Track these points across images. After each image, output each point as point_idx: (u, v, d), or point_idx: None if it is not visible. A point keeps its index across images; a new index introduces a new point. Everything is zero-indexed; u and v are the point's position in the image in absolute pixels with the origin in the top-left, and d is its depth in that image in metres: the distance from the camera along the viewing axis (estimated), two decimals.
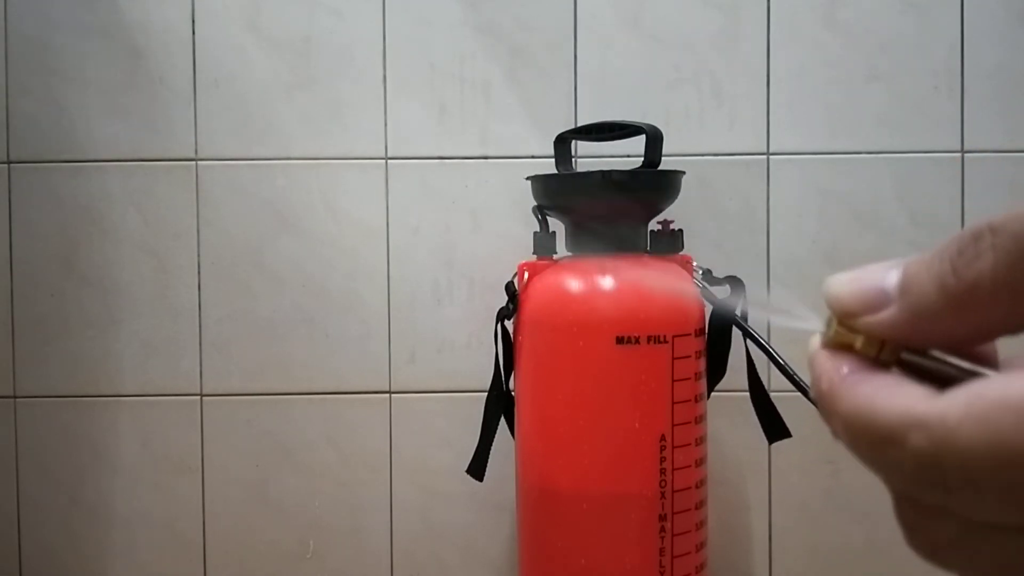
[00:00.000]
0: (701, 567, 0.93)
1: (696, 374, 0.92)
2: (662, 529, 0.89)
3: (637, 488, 0.89)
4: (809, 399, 0.30)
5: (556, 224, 1.00)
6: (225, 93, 1.17)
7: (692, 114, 1.17)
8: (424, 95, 1.17)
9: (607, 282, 0.92)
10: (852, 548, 1.17)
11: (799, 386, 0.82)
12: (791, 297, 0.30)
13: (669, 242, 0.99)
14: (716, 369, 0.98)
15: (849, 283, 0.27)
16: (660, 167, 0.98)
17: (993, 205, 1.15)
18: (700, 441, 0.93)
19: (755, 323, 0.91)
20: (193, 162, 1.18)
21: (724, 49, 1.17)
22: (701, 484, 0.93)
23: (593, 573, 0.90)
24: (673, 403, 0.90)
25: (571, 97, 1.17)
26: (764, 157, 1.17)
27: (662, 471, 0.89)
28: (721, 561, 1.17)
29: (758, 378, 1.00)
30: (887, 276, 0.26)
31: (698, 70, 1.17)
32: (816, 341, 0.28)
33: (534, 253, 0.99)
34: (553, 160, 1.04)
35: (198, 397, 1.19)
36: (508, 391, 1.00)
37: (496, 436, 0.99)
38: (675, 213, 1.00)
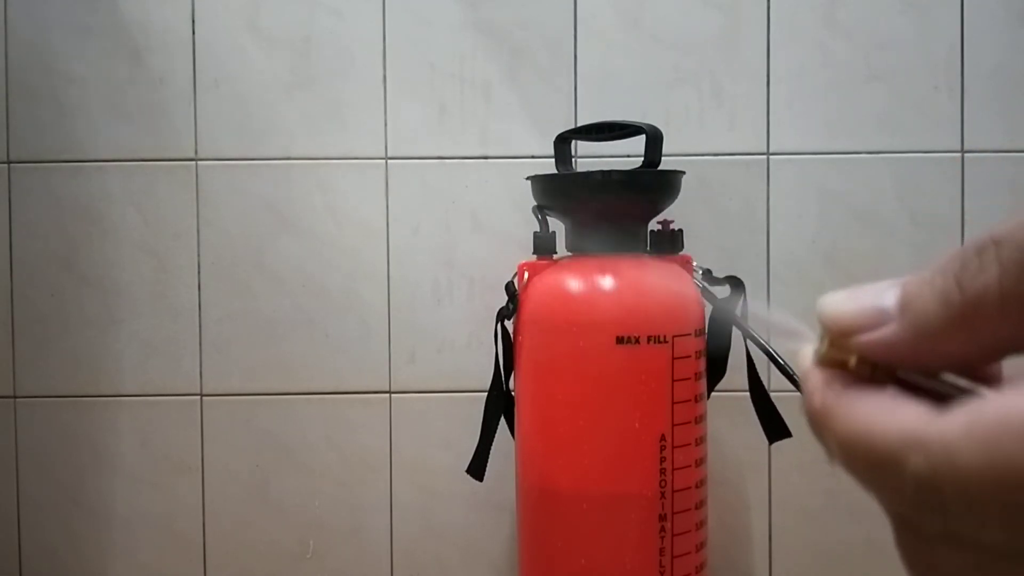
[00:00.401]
0: (701, 567, 0.93)
1: (696, 374, 0.92)
2: (662, 529, 0.89)
3: (637, 488, 0.89)
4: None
5: (556, 224, 1.00)
6: (225, 93, 1.17)
7: (692, 114, 1.17)
8: (424, 95, 1.17)
9: (607, 282, 0.92)
10: (852, 548, 1.17)
11: (799, 386, 0.82)
12: (786, 312, 0.29)
13: (669, 242, 0.99)
14: (716, 369, 0.98)
15: (845, 301, 0.25)
16: (660, 167, 0.98)
17: (993, 205, 1.15)
18: (700, 441, 0.93)
19: (753, 328, 0.91)
20: (193, 162, 1.18)
21: (724, 49, 1.17)
22: (701, 484, 0.93)
23: (593, 573, 0.90)
24: (673, 403, 0.90)
25: (571, 97, 1.17)
26: (764, 157, 1.17)
27: (662, 471, 0.89)
28: (721, 561, 1.17)
29: (758, 378, 1.00)
30: (885, 294, 0.25)
31: (698, 70, 1.17)
32: (808, 355, 0.26)
33: (534, 253, 0.99)
34: (553, 160, 1.04)
35: (198, 397, 1.19)
36: (508, 391, 0.99)
37: (496, 436, 0.99)
38: (675, 213, 1.00)
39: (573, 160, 1.11)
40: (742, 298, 0.96)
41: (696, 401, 0.92)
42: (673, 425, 0.89)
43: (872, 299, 0.25)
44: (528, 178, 1.01)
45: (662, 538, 0.89)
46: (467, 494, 1.17)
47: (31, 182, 1.18)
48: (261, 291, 1.18)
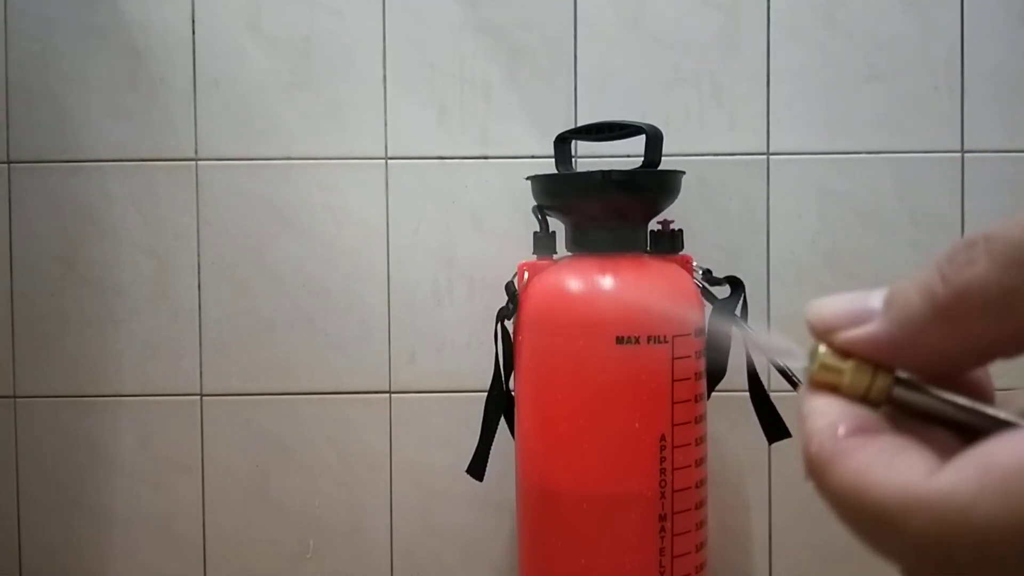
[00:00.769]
0: (701, 567, 0.93)
1: (696, 374, 0.92)
2: (662, 529, 0.89)
3: (637, 488, 0.89)
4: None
5: (556, 224, 1.00)
6: (225, 93, 1.17)
7: (692, 114, 1.17)
8: (424, 95, 1.17)
9: (607, 282, 0.92)
10: (852, 548, 1.17)
11: (798, 386, 0.82)
12: (778, 334, 0.29)
13: (669, 242, 0.99)
14: (716, 369, 0.98)
15: (830, 301, 0.25)
16: (660, 167, 0.98)
17: (993, 205, 1.15)
18: (700, 441, 0.93)
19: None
20: (193, 162, 1.18)
21: (724, 49, 1.17)
22: (701, 484, 0.93)
23: (593, 573, 0.90)
24: (673, 403, 0.90)
25: (571, 97, 1.17)
26: (764, 157, 1.17)
27: (662, 471, 0.89)
28: (721, 561, 1.17)
29: (758, 378, 1.00)
30: (872, 295, 0.24)
31: (698, 70, 1.17)
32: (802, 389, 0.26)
33: (534, 253, 0.99)
34: (553, 160, 1.04)
35: (198, 397, 1.19)
36: (508, 391, 0.99)
37: (496, 436, 0.99)
38: (675, 213, 1.00)
39: (573, 160, 1.11)
40: (741, 300, 0.96)
41: (696, 401, 0.92)
42: (673, 425, 0.89)
43: (857, 298, 0.25)
44: (528, 178, 1.01)
45: (662, 538, 0.89)
46: (467, 494, 1.17)
47: (31, 182, 1.18)
48: (261, 291, 1.18)
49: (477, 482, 0.99)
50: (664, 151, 0.99)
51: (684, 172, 0.99)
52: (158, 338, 1.18)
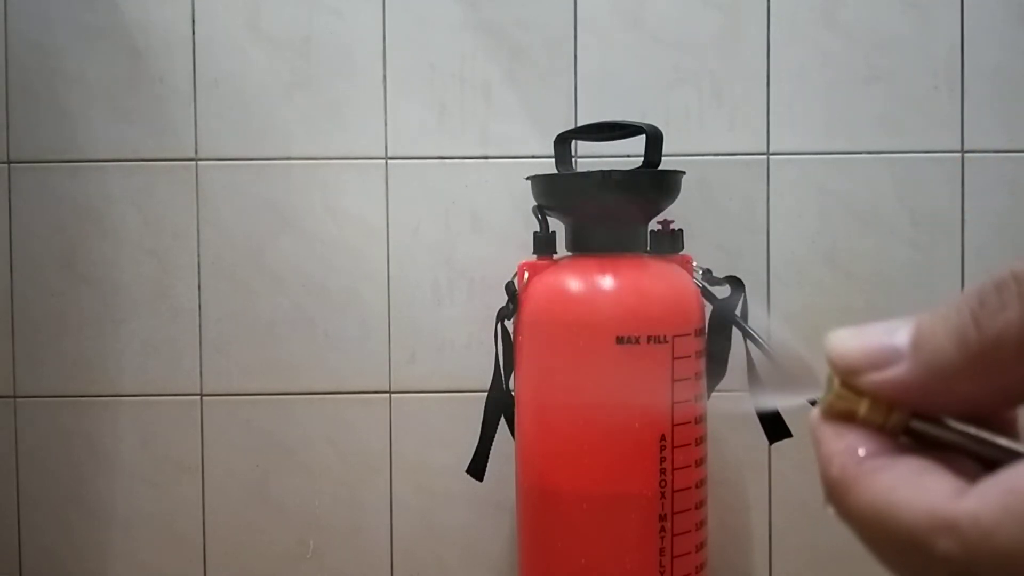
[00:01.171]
0: (701, 567, 0.93)
1: (696, 374, 0.92)
2: (662, 529, 0.89)
3: (637, 488, 0.89)
4: (811, 403, 0.27)
5: (556, 224, 1.00)
6: (225, 93, 1.17)
7: (692, 114, 1.17)
8: (424, 95, 1.17)
9: (607, 282, 0.92)
10: (852, 548, 1.16)
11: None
12: (785, 356, 0.27)
13: (669, 242, 0.99)
14: (716, 369, 0.98)
15: (853, 337, 0.24)
16: (660, 167, 0.98)
17: (993, 205, 1.15)
18: (700, 441, 0.93)
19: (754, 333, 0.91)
20: (193, 162, 1.18)
21: (724, 49, 1.17)
22: (701, 484, 0.93)
23: (593, 573, 0.90)
24: (673, 403, 0.89)
25: (571, 97, 1.17)
26: (764, 157, 1.17)
27: (662, 471, 0.89)
28: (721, 561, 1.17)
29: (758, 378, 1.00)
30: (896, 332, 0.23)
31: (698, 70, 1.17)
32: (816, 410, 0.24)
33: (534, 253, 0.99)
34: (553, 160, 1.04)
35: (198, 397, 1.19)
36: (508, 391, 0.99)
37: (496, 436, 0.99)
38: (675, 213, 1.00)
39: (573, 160, 1.11)
40: (741, 298, 0.96)
41: (696, 401, 0.92)
42: (673, 425, 0.89)
43: (882, 336, 0.23)
44: (528, 178, 1.01)
45: (662, 538, 0.89)
46: (467, 494, 1.17)
47: (31, 182, 1.18)
48: (261, 291, 1.18)
49: (477, 482, 0.99)
50: (664, 151, 0.99)
51: (684, 172, 0.99)
52: (158, 338, 1.18)
